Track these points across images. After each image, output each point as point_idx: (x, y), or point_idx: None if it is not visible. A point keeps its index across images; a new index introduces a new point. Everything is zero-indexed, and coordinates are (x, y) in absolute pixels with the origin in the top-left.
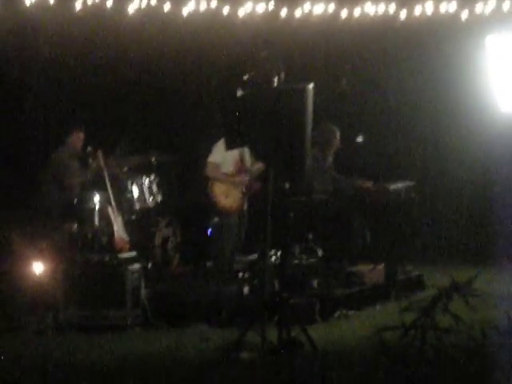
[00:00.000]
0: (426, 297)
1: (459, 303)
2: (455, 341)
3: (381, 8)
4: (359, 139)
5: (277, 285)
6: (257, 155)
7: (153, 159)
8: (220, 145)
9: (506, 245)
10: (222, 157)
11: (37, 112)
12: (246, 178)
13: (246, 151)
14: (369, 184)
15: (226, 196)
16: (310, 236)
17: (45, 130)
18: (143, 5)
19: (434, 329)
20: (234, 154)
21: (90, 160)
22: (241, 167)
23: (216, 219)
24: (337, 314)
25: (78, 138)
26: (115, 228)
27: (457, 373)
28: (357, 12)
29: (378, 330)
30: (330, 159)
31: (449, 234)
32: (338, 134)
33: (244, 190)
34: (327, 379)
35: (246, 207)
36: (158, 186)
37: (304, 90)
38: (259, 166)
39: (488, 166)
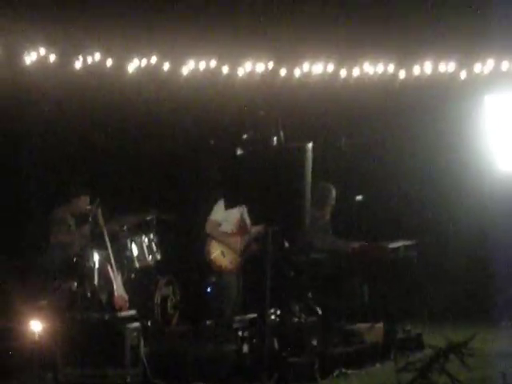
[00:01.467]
0: (423, 357)
1: (456, 363)
2: None
3: (380, 68)
4: (359, 198)
5: (276, 344)
6: (255, 215)
7: (152, 218)
8: (221, 203)
9: (503, 304)
10: (224, 215)
11: (38, 169)
12: (243, 240)
13: (246, 211)
14: (363, 245)
15: (224, 255)
16: (310, 295)
17: (47, 188)
18: (143, 64)
19: None
20: (235, 213)
21: (90, 218)
22: (242, 226)
23: (213, 278)
24: (336, 372)
25: (84, 202)
26: (115, 286)
27: None
28: (356, 72)
29: None
30: (328, 217)
31: (447, 293)
32: (333, 192)
33: (241, 251)
34: None
35: (242, 267)
36: (158, 244)
37: (303, 149)
38: (259, 228)
39: (486, 225)
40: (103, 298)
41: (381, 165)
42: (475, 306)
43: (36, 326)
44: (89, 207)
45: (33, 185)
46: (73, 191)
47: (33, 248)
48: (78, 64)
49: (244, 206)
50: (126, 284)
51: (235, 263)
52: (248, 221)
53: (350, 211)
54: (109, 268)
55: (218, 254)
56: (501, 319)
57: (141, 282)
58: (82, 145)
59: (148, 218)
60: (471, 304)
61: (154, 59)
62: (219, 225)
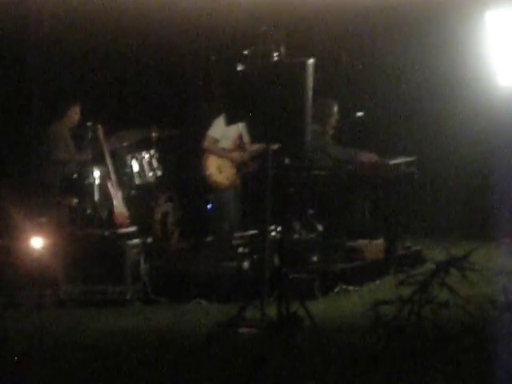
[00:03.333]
0: (424, 271)
1: (456, 278)
2: (452, 315)
3: None
4: (359, 114)
5: (276, 260)
6: (256, 132)
7: (153, 134)
8: (220, 120)
9: (504, 221)
10: (222, 132)
11: (33, 86)
12: (241, 157)
13: (245, 129)
14: (372, 156)
15: (220, 171)
16: (310, 211)
17: (42, 105)
18: None
19: (430, 303)
20: (234, 130)
21: (90, 135)
22: (240, 144)
23: (212, 195)
24: (336, 289)
25: (74, 112)
26: (115, 203)
27: (453, 347)
28: None
29: (374, 305)
30: (330, 133)
31: (448, 210)
32: (336, 108)
33: (238, 167)
34: (325, 354)
35: (238, 183)
36: (158, 161)
37: (304, 65)
38: (258, 147)
39: (488, 141)
40: (103, 214)
41: (382, 81)
42: (476, 223)
43: (36, 243)
44: (89, 123)
45: (29, 101)
46: (63, 104)
47: (33, 165)
48: None
49: (244, 123)
50: (126, 200)
51: (231, 179)
52: (247, 138)
53: (351, 127)
54: (109, 184)
55: (214, 169)
56: (501, 236)
57: (141, 198)
58: (80, 61)
59: (148, 135)
60: (472, 220)
61: None
62: (217, 141)
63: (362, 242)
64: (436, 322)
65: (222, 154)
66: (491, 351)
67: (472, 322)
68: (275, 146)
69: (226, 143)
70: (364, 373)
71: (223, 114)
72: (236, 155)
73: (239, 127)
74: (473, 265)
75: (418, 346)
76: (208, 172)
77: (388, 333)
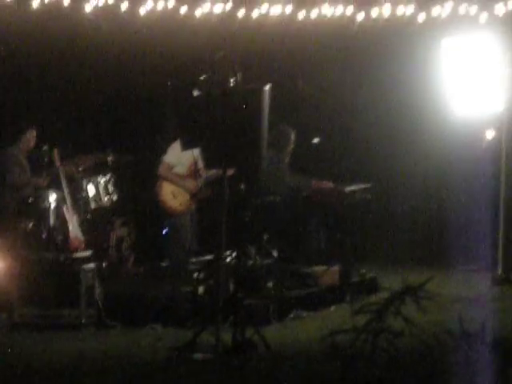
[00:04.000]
0: (379, 299)
1: (412, 306)
2: (407, 344)
3: (338, 10)
4: (315, 140)
5: (232, 286)
6: (211, 158)
7: (109, 158)
8: (175, 145)
9: (459, 248)
10: (177, 158)
11: None
12: (195, 184)
13: (199, 154)
14: (327, 184)
15: (174, 197)
16: (266, 237)
17: None
18: (100, 3)
19: (385, 332)
20: (189, 156)
21: (46, 159)
22: (195, 170)
23: (168, 220)
24: (291, 315)
25: (31, 136)
26: (70, 227)
27: (408, 376)
28: (314, 14)
29: (329, 333)
30: (286, 161)
31: (403, 238)
32: (293, 136)
33: (193, 193)
34: (280, 381)
35: (193, 209)
36: (114, 185)
37: (260, 91)
38: (213, 171)
39: (443, 170)
40: (59, 238)
41: (338, 108)
42: (431, 251)
43: None
44: (45, 147)
45: None
46: (19, 128)
47: None
48: (34, 3)
49: (198, 149)
50: (82, 225)
51: (186, 205)
52: (202, 164)
53: (306, 154)
54: (64, 209)
55: (168, 195)
56: (456, 264)
57: (96, 222)
58: (35, 85)
59: (104, 159)
60: (427, 248)
61: None
62: (172, 167)
63: (317, 269)
64: (390, 351)
65: (175, 181)
66: (447, 380)
67: (427, 351)
68: (231, 172)
69: (182, 169)
70: None
71: (178, 140)
72: (189, 184)
73: (194, 153)
74: (428, 293)
75: (372, 375)
76: (162, 198)
77: (343, 361)
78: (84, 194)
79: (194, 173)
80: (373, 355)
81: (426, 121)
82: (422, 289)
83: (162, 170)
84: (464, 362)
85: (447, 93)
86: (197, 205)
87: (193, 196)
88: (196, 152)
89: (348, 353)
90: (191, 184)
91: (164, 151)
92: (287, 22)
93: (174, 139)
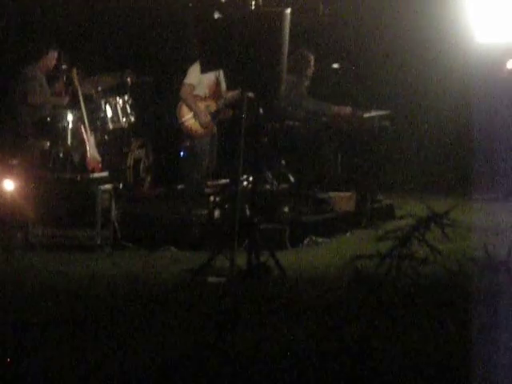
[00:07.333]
0: (398, 227)
1: (436, 234)
2: (431, 271)
3: None
4: (335, 65)
5: (247, 210)
6: (231, 80)
7: (128, 79)
8: (196, 67)
9: (481, 177)
10: (198, 79)
11: (9, 27)
12: (217, 104)
13: (222, 76)
14: (347, 110)
15: (195, 119)
16: (283, 162)
17: (18, 46)
18: None
19: (410, 258)
20: (210, 77)
21: (65, 79)
22: (216, 91)
23: (187, 142)
24: (307, 240)
25: (52, 57)
26: (88, 147)
27: (431, 303)
28: None
29: (353, 258)
30: (306, 85)
31: (423, 166)
32: (312, 60)
33: (213, 114)
34: (296, 304)
35: (215, 131)
36: (132, 106)
37: (281, 14)
38: (234, 93)
39: (464, 98)
40: (76, 158)
41: (358, 33)
42: (452, 179)
43: (7, 185)
44: (64, 66)
45: (7, 42)
46: (41, 47)
47: (7, 107)
48: None
49: (220, 70)
50: (99, 145)
51: (206, 127)
52: (223, 85)
53: (325, 79)
54: (82, 129)
55: (190, 117)
56: (476, 192)
57: (114, 143)
58: (56, 5)
59: (123, 80)
60: (447, 177)
61: None
62: (193, 88)
63: (333, 194)
64: (414, 278)
65: (193, 105)
66: (468, 307)
67: (452, 278)
68: (250, 94)
69: (202, 90)
70: (342, 324)
71: (198, 62)
72: (211, 103)
73: (216, 74)
74: (452, 221)
75: (396, 301)
76: (183, 120)
77: (367, 286)
78: (102, 115)
79: (214, 94)
80: (397, 281)
81: (448, 50)
82: (447, 216)
83: (184, 92)
84: (488, 290)
85: (470, 22)
86: (217, 128)
87: (213, 116)
88: (218, 73)
89: (371, 278)
90: (212, 105)
91: (184, 73)
92: None
93: (195, 61)
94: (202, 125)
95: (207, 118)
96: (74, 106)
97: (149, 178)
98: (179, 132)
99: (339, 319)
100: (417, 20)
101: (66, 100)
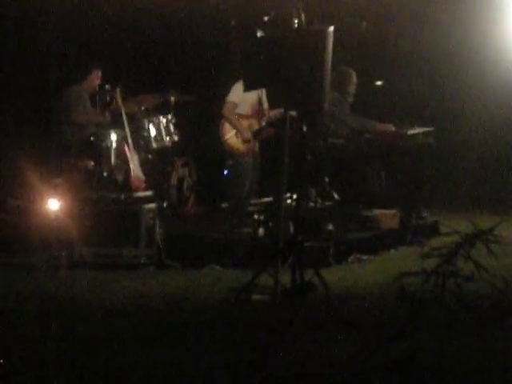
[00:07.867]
0: (443, 243)
1: (481, 251)
2: (477, 289)
3: None
4: (379, 83)
5: (291, 228)
6: (274, 98)
7: (171, 98)
8: (239, 85)
9: None
10: (241, 97)
11: (53, 47)
12: (259, 122)
13: (265, 95)
14: (390, 127)
15: (237, 137)
16: (327, 179)
17: (62, 66)
18: None
19: (455, 276)
20: (253, 95)
21: (108, 98)
22: (258, 110)
23: (230, 161)
24: (351, 258)
25: (95, 77)
26: (131, 166)
27: (477, 320)
28: None
29: (398, 275)
30: (349, 102)
31: (468, 182)
32: (354, 77)
33: (255, 133)
34: (341, 322)
35: (257, 150)
36: (176, 125)
37: (324, 32)
38: (277, 112)
39: (510, 115)
40: (119, 177)
41: (402, 51)
42: (495, 196)
43: (52, 205)
44: (107, 86)
45: (50, 64)
46: (85, 67)
47: (51, 127)
48: None
49: (263, 89)
50: (143, 165)
51: (249, 145)
52: (266, 104)
53: (368, 96)
54: (126, 148)
55: (232, 135)
56: None
57: (157, 162)
58: (101, 24)
59: (167, 99)
60: (490, 193)
61: None
62: (236, 106)
63: (377, 212)
64: (460, 295)
65: (234, 123)
66: None
67: (498, 296)
68: (293, 113)
69: (245, 108)
70: (390, 342)
71: (241, 80)
72: (253, 122)
73: (258, 92)
74: (498, 237)
75: (442, 318)
76: (226, 138)
77: (412, 303)
78: (146, 134)
79: (257, 112)
80: (442, 298)
81: (492, 64)
82: (492, 233)
83: (226, 110)
84: None
85: None
86: (259, 146)
87: (255, 134)
88: (261, 92)
89: (417, 295)
90: (254, 124)
91: (227, 91)
92: None
93: (237, 79)
94: (243, 141)
95: (248, 135)
96: (117, 125)
97: (192, 197)
98: (222, 150)
99: (385, 337)
100: (460, 34)
101: (108, 119)
